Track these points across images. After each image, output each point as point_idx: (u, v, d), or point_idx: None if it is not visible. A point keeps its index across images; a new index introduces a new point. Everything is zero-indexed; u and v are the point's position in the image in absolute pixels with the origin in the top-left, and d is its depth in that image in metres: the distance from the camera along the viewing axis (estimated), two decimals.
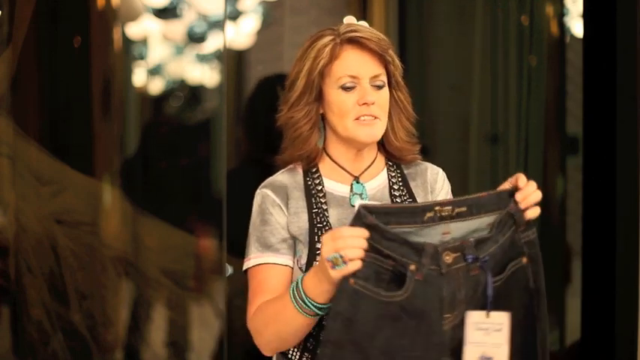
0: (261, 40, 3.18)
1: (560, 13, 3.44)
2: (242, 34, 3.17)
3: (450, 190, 1.81)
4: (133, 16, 3.01)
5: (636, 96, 2.95)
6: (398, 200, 1.73)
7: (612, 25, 2.99)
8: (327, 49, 1.68)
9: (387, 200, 1.74)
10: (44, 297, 2.74)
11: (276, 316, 1.60)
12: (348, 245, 1.45)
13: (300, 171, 1.77)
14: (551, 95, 3.41)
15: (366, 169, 1.76)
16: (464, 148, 3.33)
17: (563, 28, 3.45)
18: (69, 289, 2.79)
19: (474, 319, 1.49)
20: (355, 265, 1.45)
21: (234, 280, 2.93)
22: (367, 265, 1.46)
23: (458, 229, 1.50)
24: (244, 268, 1.72)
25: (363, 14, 3.25)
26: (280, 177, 1.77)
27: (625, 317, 2.97)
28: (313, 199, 1.71)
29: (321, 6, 3.29)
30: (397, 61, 1.74)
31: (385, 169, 1.78)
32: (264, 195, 1.74)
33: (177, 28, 3.11)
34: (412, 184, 1.77)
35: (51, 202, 2.79)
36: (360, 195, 1.72)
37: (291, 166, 1.79)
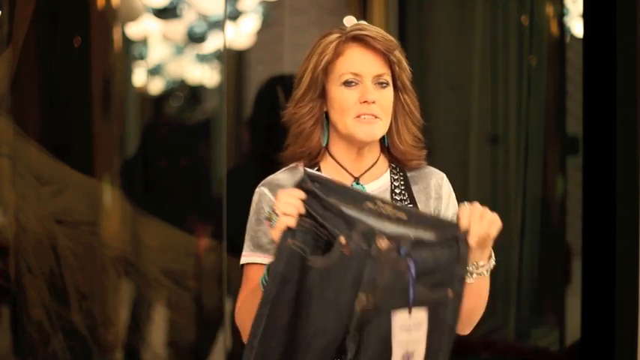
0: (261, 40, 3.18)
1: (560, 13, 3.44)
2: (242, 34, 3.17)
3: (454, 199, 1.80)
4: (133, 16, 3.01)
5: (636, 96, 2.95)
6: (399, 204, 1.72)
7: (612, 25, 2.99)
8: (332, 45, 1.69)
9: None
10: (44, 297, 2.74)
11: (252, 309, 1.60)
12: (282, 201, 1.49)
13: (301, 169, 1.76)
14: (551, 95, 3.42)
15: (367, 170, 1.75)
16: (464, 148, 3.33)
17: (563, 28, 3.45)
18: (69, 289, 2.79)
19: (399, 320, 1.50)
20: (287, 221, 1.48)
21: (234, 279, 2.93)
22: (306, 230, 1.49)
23: (391, 231, 1.51)
24: (240, 263, 1.74)
25: (363, 14, 3.25)
26: (280, 176, 1.77)
27: (625, 317, 2.97)
28: None
29: (321, 6, 3.29)
30: (404, 64, 1.73)
31: (388, 171, 1.77)
32: (261, 194, 1.74)
33: (177, 28, 3.11)
34: (415, 189, 1.76)
35: (51, 202, 2.79)
36: None
37: (292, 165, 1.79)
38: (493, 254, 1.63)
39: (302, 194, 1.50)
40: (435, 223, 1.55)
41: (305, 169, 1.55)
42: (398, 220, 1.52)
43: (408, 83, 1.74)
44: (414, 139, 1.77)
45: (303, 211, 1.49)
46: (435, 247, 1.52)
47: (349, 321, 1.50)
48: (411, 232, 1.52)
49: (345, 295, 1.49)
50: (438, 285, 1.52)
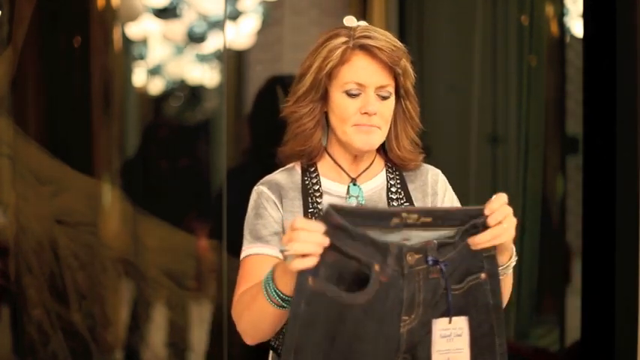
0: (261, 40, 3.18)
1: (560, 13, 3.44)
2: (242, 34, 3.17)
3: (450, 193, 1.80)
4: (133, 16, 3.01)
5: (636, 96, 2.95)
6: (395, 203, 1.72)
7: (612, 25, 2.99)
8: (338, 51, 1.67)
9: (383, 202, 1.72)
10: (44, 297, 2.74)
11: (251, 304, 1.59)
12: (301, 239, 1.39)
13: (298, 170, 1.77)
14: (551, 95, 3.41)
15: (364, 171, 1.75)
16: (464, 148, 3.33)
17: (563, 28, 3.45)
18: (69, 289, 2.79)
19: (439, 326, 1.49)
20: (309, 262, 1.39)
21: (234, 279, 2.93)
22: (330, 266, 1.42)
23: (416, 236, 1.49)
24: (241, 257, 1.73)
25: (363, 14, 3.25)
26: (278, 176, 1.77)
27: (625, 317, 2.97)
28: (310, 198, 1.71)
29: (321, 6, 3.29)
30: (409, 71, 1.71)
31: (384, 170, 1.77)
32: (259, 192, 1.74)
33: (177, 28, 3.11)
34: (410, 187, 1.76)
35: (51, 202, 2.80)
36: (357, 197, 1.71)
37: (290, 165, 1.79)
38: (514, 251, 1.61)
39: (323, 228, 1.41)
40: (460, 215, 1.51)
41: (329, 203, 1.44)
42: (424, 225, 1.49)
43: (411, 89, 1.73)
44: (412, 144, 1.77)
45: (326, 244, 1.41)
46: (457, 242, 1.50)
47: (397, 345, 1.47)
48: (435, 234, 1.50)
49: (388, 323, 1.46)
50: (467, 274, 1.51)
